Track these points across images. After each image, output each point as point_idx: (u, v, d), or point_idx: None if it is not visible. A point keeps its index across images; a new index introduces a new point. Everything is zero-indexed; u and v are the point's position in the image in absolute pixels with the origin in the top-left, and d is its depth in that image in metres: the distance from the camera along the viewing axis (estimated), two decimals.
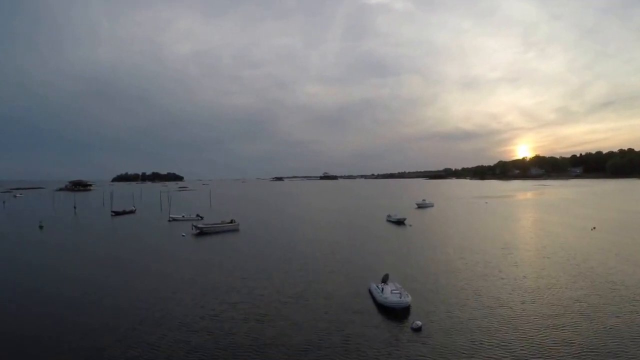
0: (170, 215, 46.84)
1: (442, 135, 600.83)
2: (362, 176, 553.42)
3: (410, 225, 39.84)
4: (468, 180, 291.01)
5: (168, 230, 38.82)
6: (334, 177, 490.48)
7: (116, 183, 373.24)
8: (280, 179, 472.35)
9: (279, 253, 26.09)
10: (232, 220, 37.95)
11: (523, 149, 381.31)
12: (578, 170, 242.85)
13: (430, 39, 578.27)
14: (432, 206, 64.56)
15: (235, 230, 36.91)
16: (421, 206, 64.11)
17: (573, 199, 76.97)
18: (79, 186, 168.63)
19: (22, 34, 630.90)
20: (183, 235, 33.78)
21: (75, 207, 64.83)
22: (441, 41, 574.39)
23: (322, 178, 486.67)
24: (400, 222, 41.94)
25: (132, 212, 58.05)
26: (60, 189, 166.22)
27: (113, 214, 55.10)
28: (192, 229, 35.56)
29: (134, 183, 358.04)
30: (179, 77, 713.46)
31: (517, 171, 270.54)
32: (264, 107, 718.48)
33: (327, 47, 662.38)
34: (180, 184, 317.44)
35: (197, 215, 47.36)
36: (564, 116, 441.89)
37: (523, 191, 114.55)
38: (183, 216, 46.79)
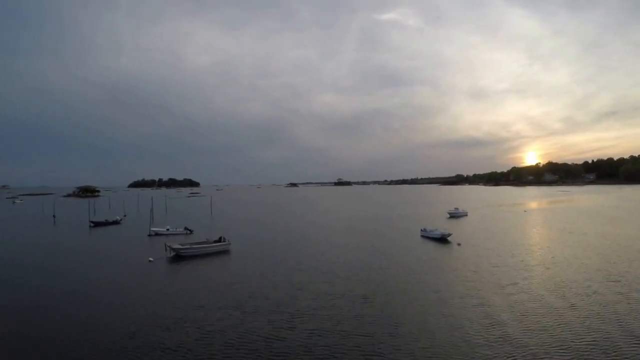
0: (152, 229, 37.91)
1: (452, 142, 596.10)
2: (375, 182, 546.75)
3: (459, 244, 29.69)
4: (482, 186, 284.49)
5: (141, 249, 29.85)
6: (348, 183, 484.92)
7: (131, 189, 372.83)
8: (295, 185, 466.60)
9: (278, 298, 16.56)
10: (220, 239, 28.47)
11: (531, 156, 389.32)
12: (591, 177, 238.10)
13: (439, 52, 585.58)
14: (466, 215, 54.25)
15: (225, 251, 27.54)
16: (454, 215, 53.78)
17: (617, 206, 66.70)
18: (87, 192, 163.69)
19: (48, 44, 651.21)
20: (150, 261, 24.67)
21: (54, 216, 57.22)
22: (450, 55, 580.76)
23: (336, 184, 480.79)
24: (443, 239, 31.83)
25: (116, 222, 49.61)
26: (68, 195, 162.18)
27: (92, 225, 46.82)
28: (166, 250, 26.32)
29: (148, 189, 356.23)
30: (197, 86, 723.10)
31: (531, 177, 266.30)
32: (280, 115, 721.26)
33: (341, 58, 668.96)
34: (195, 189, 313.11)
35: (186, 229, 38.38)
36: (569, 125, 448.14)
37: (548, 197, 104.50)
38: (168, 229, 37.84)
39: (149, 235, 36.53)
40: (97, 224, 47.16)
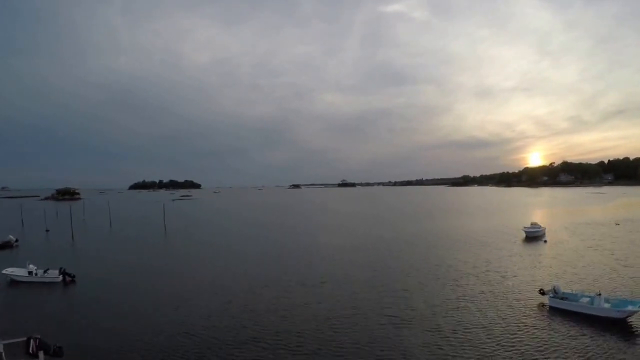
0: (5, 271, 20.36)
1: (457, 143, 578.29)
2: (379, 183, 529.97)
3: None
4: (494, 187, 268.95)
5: None
6: (352, 185, 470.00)
7: (130, 191, 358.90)
8: (297, 186, 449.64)
9: None
10: (28, 343, 10.15)
11: (535, 157, 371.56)
12: (610, 177, 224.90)
13: (446, 48, 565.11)
14: (544, 234, 35.68)
15: None
16: (533, 235, 35.03)
17: None
18: (66, 195, 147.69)
19: (44, 43, 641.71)
20: None
21: None
22: (457, 50, 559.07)
23: (340, 185, 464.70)
24: (623, 321, 13.67)
25: (9, 245, 32.24)
26: (47, 198, 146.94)
27: None
28: None
29: (144, 191, 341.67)
30: (199, 86, 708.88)
31: (546, 178, 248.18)
32: (283, 115, 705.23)
33: (344, 55, 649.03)
34: (192, 191, 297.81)
35: (62, 273, 20.17)
36: (576, 125, 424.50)
37: (589, 200, 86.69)
38: (31, 272, 20.27)
39: None
40: None
